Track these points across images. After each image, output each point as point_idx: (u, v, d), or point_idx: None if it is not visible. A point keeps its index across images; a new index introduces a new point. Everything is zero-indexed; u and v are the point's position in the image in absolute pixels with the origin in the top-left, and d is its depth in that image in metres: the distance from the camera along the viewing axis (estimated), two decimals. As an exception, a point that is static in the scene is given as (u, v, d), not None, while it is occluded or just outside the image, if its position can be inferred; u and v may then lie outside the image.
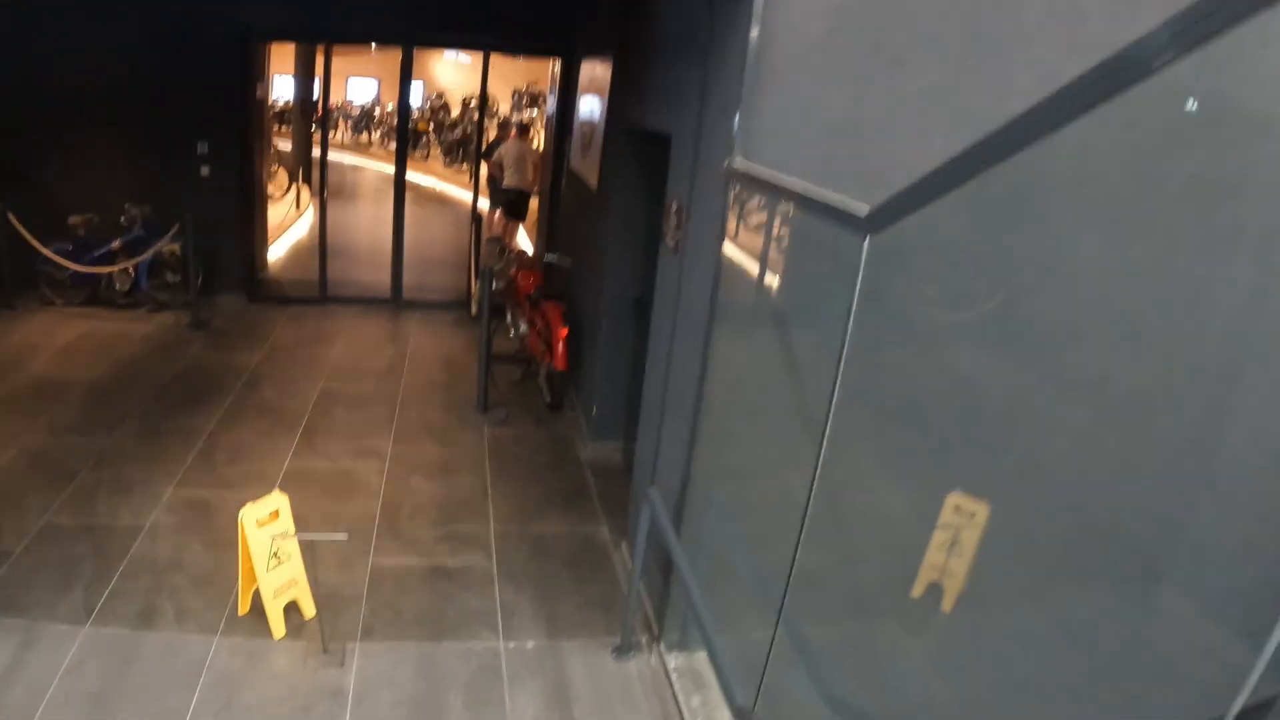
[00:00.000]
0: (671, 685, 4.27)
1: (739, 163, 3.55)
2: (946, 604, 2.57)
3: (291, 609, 4.53)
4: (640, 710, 4.21)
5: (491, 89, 11.63)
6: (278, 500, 4.43)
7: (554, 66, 10.07)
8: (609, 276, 6.55)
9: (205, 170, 9.39)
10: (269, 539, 4.35)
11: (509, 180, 12.52)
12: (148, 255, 9.05)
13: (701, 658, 4.43)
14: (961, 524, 2.50)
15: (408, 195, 10.55)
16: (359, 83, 24.77)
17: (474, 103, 19.79)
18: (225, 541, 4.93)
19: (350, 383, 7.87)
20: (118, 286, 9.25)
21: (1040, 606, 2.35)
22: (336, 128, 23.46)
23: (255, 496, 4.43)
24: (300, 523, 4.65)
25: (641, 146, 5.87)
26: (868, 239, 2.32)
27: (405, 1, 9.40)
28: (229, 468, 6.09)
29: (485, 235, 10.77)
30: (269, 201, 11.68)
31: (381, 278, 10.47)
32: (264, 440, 6.56)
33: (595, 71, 7.60)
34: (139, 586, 4.69)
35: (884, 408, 2.75)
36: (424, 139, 21.90)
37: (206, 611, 4.55)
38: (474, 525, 5.68)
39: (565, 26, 9.22)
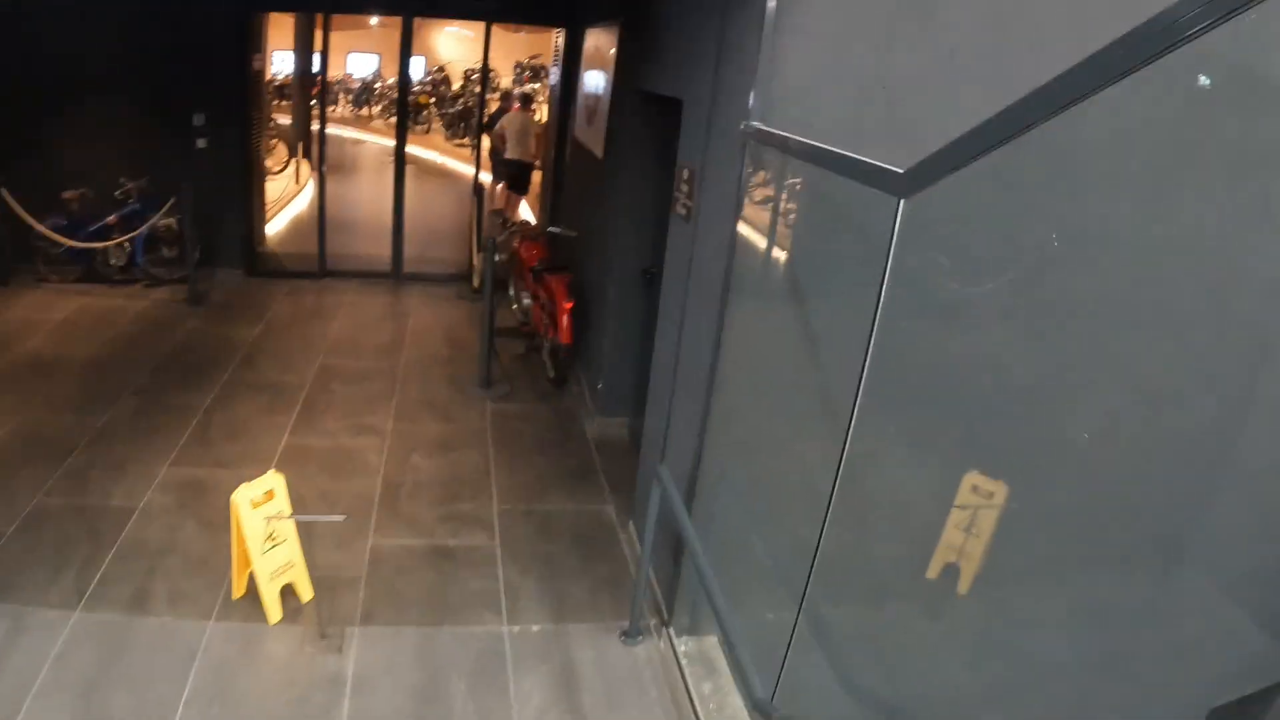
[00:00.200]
0: (681, 671, 4.12)
1: (758, 125, 3.37)
2: (965, 586, 2.53)
3: (288, 592, 4.39)
4: (649, 697, 4.07)
5: (493, 62, 11.44)
6: (273, 480, 4.28)
7: (557, 38, 9.88)
8: (615, 247, 6.38)
9: (202, 143, 9.22)
10: (264, 521, 4.20)
11: (511, 152, 12.38)
12: (144, 229, 8.88)
13: (712, 643, 4.29)
14: (980, 503, 2.46)
15: (409, 169, 10.41)
16: (359, 58, 24.55)
17: (475, 76, 19.59)
18: (220, 522, 4.79)
19: (350, 358, 7.73)
20: (113, 262, 9.08)
21: (1062, 588, 2.31)
22: (337, 102, 23.30)
23: (252, 476, 4.28)
24: (298, 503, 4.51)
25: (650, 113, 5.69)
26: (901, 202, 2.14)
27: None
28: (225, 446, 5.94)
29: (487, 209, 10.62)
30: (268, 176, 11.52)
31: (382, 252, 10.32)
32: (261, 417, 6.41)
33: (600, 40, 7.42)
34: (132, 570, 4.56)
35: (908, 382, 2.63)
36: (425, 112, 21.71)
37: (201, 595, 4.41)
38: (476, 504, 5.53)
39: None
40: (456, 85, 23.14)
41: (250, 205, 9.85)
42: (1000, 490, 2.46)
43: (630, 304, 6.44)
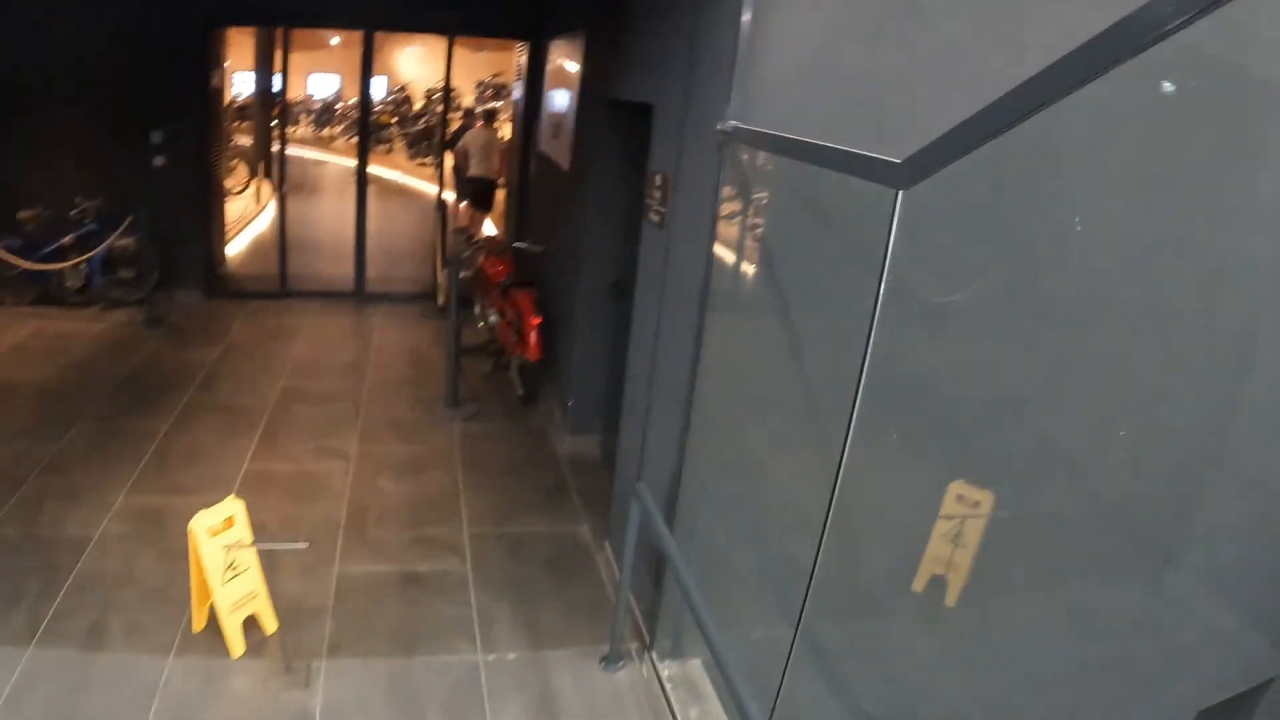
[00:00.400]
0: (666, 696, 3.97)
1: (737, 124, 3.26)
2: (952, 597, 2.52)
3: (251, 624, 4.19)
4: (633, 724, 3.92)
5: (455, 81, 11.39)
6: (232, 506, 4.09)
7: (520, 55, 9.78)
8: (585, 258, 6.25)
9: (160, 161, 9.02)
10: (223, 549, 4.02)
11: (475, 169, 12.33)
12: (101, 250, 8.66)
13: (697, 666, 4.15)
14: (966, 513, 2.45)
15: (371, 189, 10.30)
16: (320, 79, 24.41)
17: (438, 95, 19.53)
18: (179, 552, 4.56)
19: (313, 379, 7.54)
20: (69, 284, 8.82)
21: (1053, 594, 2.32)
22: (298, 123, 23.13)
23: (212, 502, 4.10)
24: (260, 529, 4.32)
25: (619, 120, 5.58)
26: (900, 195, 2.03)
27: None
28: (184, 472, 5.73)
29: (452, 227, 10.51)
30: (228, 196, 11.35)
31: (344, 271, 10.17)
32: (222, 442, 6.20)
33: (565, 51, 7.34)
34: (87, 603, 4.35)
35: (901, 390, 2.54)
36: (387, 131, 21.61)
37: (160, 629, 4.21)
38: (446, 528, 5.36)
39: (531, 6, 8.93)
40: (418, 105, 23.06)
41: (210, 225, 9.66)
42: (986, 498, 2.44)
43: (600, 317, 6.32)
